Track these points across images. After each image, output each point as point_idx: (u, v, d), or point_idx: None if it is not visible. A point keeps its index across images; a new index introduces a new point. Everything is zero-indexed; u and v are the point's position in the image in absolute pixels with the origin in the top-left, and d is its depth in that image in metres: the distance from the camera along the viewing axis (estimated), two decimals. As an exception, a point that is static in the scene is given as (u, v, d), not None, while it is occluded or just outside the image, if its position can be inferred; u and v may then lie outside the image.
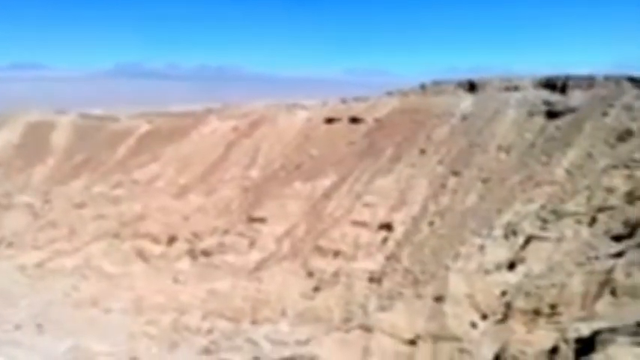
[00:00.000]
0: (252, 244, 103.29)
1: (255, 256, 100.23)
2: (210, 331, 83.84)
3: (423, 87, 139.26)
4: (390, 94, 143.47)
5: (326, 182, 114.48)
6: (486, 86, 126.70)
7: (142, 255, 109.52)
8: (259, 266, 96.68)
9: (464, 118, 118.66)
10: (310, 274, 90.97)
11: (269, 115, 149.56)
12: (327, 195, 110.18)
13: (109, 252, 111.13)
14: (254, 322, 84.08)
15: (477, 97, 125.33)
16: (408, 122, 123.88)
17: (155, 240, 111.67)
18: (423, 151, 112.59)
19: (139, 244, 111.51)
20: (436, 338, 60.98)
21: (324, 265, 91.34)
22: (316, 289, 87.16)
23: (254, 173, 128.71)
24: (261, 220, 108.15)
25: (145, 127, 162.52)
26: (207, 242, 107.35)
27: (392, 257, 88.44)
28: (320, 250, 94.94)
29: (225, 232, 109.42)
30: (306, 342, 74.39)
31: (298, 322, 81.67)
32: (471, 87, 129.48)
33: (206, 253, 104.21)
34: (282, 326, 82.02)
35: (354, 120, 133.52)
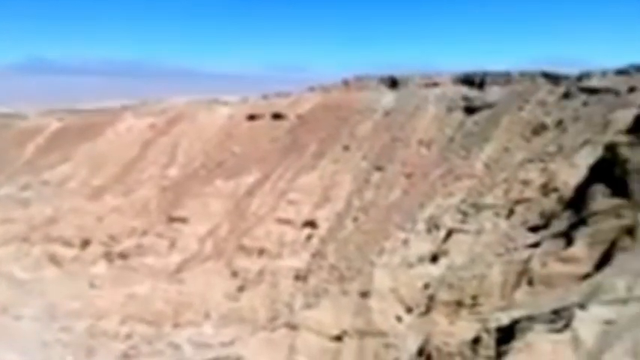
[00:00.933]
0: (172, 245, 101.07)
1: (176, 257, 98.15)
2: (129, 336, 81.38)
3: (345, 83, 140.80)
4: (312, 89, 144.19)
5: (249, 180, 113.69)
6: (407, 82, 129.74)
7: (54, 259, 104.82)
8: (181, 268, 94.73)
9: (386, 113, 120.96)
10: (234, 274, 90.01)
11: (188, 111, 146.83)
12: (250, 193, 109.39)
13: (18, 257, 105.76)
14: (176, 326, 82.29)
15: (398, 92, 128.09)
16: (330, 118, 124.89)
17: (68, 244, 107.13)
18: (346, 147, 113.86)
19: (51, 249, 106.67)
20: (362, 334, 61.61)
21: (249, 264, 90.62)
22: (241, 289, 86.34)
23: (173, 172, 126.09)
24: (182, 219, 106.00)
25: (55, 125, 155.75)
26: (125, 244, 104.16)
27: (317, 254, 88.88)
28: (244, 249, 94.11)
29: (144, 233, 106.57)
30: (231, 343, 73.56)
31: (222, 324, 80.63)
32: (393, 83, 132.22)
33: (123, 256, 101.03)
34: (206, 328, 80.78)
35: (277, 116, 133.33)
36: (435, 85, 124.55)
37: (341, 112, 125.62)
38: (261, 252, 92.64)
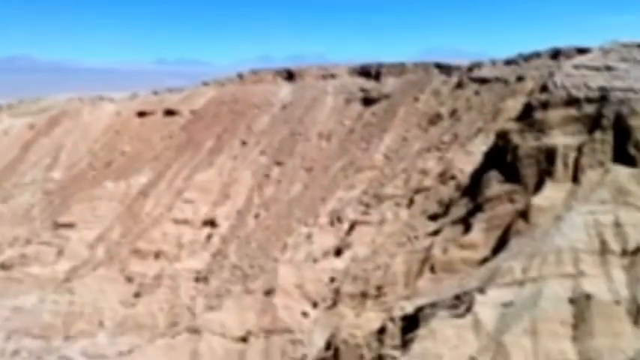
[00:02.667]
0: (60, 252, 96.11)
1: (64, 265, 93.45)
2: (16, 352, 76.61)
3: (240, 76, 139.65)
4: (206, 84, 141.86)
5: (141, 180, 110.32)
6: (304, 75, 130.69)
7: None
8: (70, 276, 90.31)
9: (284, 107, 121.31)
10: (129, 280, 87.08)
11: (71, 109, 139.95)
12: (143, 193, 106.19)
13: None
14: (67, 338, 78.42)
15: (295, 85, 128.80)
16: (227, 113, 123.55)
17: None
18: (244, 143, 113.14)
19: None
20: (268, 333, 61.68)
21: (145, 268, 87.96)
22: (137, 294, 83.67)
23: (57, 174, 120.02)
24: (69, 225, 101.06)
25: None
26: (7, 254, 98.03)
27: (218, 254, 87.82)
28: (139, 253, 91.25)
29: (28, 241, 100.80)
30: (129, 352, 71.15)
31: (119, 333, 77.80)
32: (289, 76, 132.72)
33: (6, 267, 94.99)
34: (100, 338, 77.64)
35: (169, 112, 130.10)
36: (332, 76, 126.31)
37: (237, 106, 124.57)
38: (158, 255, 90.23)
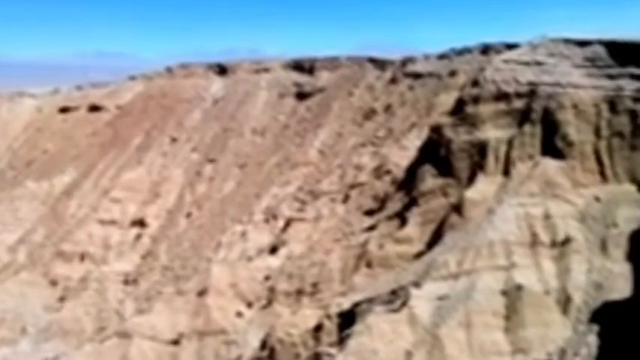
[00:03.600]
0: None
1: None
2: None
3: (169, 70, 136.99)
4: (133, 78, 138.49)
5: (65, 179, 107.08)
6: (237, 69, 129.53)
7: None
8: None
9: (215, 101, 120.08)
10: (54, 283, 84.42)
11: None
12: (67, 193, 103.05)
13: None
14: (-14, 348, 75.32)
15: (227, 79, 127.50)
16: (155, 108, 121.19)
17: None
18: (174, 139, 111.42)
19: None
20: (201, 334, 60.94)
21: (70, 271, 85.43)
22: (62, 299, 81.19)
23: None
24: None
25: None
26: None
27: (148, 255, 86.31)
28: (63, 256, 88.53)
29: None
30: (54, 359, 69.04)
31: (43, 339, 75.27)
32: (221, 70, 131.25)
33: None
34: (23, 345, 74.98)
35: (94, 108, 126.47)
36: (266, 71, 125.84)
37: (166, 101, 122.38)
38: (83, 257, 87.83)
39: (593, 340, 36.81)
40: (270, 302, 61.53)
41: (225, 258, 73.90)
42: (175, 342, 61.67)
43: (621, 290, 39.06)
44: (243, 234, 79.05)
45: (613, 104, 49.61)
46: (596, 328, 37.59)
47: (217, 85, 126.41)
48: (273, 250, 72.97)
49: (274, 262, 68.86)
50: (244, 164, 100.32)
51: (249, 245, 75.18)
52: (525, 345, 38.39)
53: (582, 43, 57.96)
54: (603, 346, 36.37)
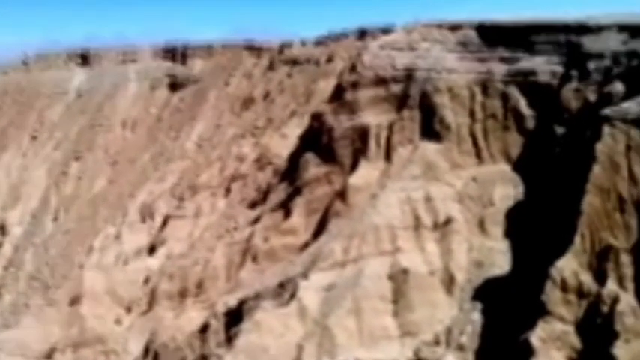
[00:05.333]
0: None
1: None
2: None
3: (25, 62, 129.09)
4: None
5: None
6: (101, 58, 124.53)
7: None
8: None
9: (79, 95, 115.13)
10: None
11: None
12: None
13: None
14: None
15: (92, 70, 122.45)
16: (11, 104, 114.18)
17: None
18: (34, 137, 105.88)
19: None
20: (76, 345, 58.43)
21: None
22: None
23: None
24: None
25: None
26: None
27: (11, 264, 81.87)
28: None
29: None
30: None
31: None
32: (84, 59, 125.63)
33: None
34: None
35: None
36: (134, 60, 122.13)
37: (24, 96, 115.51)
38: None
39: (477, 317, 39.26)
40: (151, 306, 60.19)
41: (99, 262, 71.29)
42: (48, 356, 58.84)
43: (501, 266, 41.91)
44: (118, 236, 76.60)
45: (485, 87, 52.79)
46: (479, 305, 40.12)
47: (80, 76, 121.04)
48: (152, 250, 71.39)
49: (153, 263, 67.38)
50: (115, 161, 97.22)
51: (125, 247, 72.97)
52: (414, 327, 40.23)
53: (454, 27, 61.10)
54: (486, 322, 38.90)
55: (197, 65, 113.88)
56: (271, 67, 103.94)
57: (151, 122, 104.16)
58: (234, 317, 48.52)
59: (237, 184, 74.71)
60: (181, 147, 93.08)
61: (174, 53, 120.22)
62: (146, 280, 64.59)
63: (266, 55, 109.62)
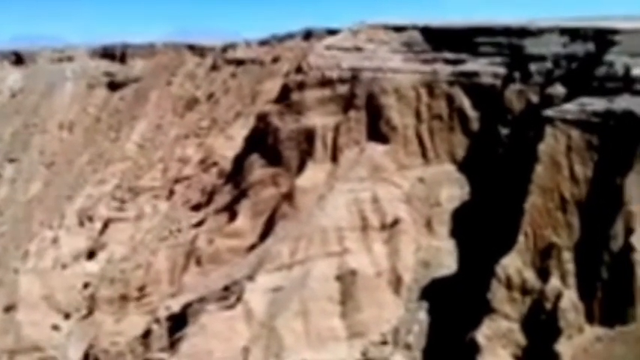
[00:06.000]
0: None
1: None
2: None
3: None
4: None
5: None
6: (37, 57, 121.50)
7: None
8: None
9: (13, 95, 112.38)
10: None
11: None
12: None
13: None
14: None
15: (26, 70, 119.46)
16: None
17: None
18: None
19: None
20: (12, 354, 56.72)
21: None
22: None
23: None
24: None
25: None
26: None
27: (-61, 272, 78.61)
28: None
29: None
30: None
31: None
32: (18, 59, 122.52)
33: None
34: None
35: None
36: (70, 59, 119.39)
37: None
38: None
39: (424, 316, 39.88)
40: (91, 311, 58.97)
41: (35, 267, 69.33)
42: (-20, 367, 57.01)
43: (448, 266, 42.67)
44: (55, 240, 74.63)
45: (431, 88, 53.67)
46: (426, 304, 40.75)
47: (14, 76, 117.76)
48: (91, 254, 69.93)
49: (93, 267, 66.14)
50: (51, 163, 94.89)
51: (63, 251, 71.16)
52: (361, 328, 40.52)
53: (399, 29, 62.02)
54: (433, 322, 39.55)
55: (137, 65, 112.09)
56: (215, 67, 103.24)
57: (88, 123, 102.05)
58: (178, 321, 47.91)
59: (181, 185, 73.97)
60: (121, 148, 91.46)
61: (113, 52, 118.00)
62: (86, 286, 63.36)
63: (209, 55, 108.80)
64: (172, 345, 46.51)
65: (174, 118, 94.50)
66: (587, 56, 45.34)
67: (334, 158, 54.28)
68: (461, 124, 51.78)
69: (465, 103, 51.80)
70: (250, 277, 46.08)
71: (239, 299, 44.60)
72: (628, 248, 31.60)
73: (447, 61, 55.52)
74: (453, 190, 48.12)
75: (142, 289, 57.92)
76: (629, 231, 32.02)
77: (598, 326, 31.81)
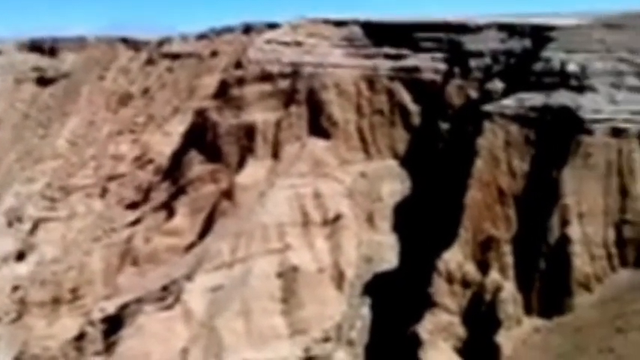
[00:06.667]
0: None
1: None
2: None
3: None
4: None
5: None
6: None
7: None
8: None
9: None
10: None
11: None
12: None
13: None
14: None
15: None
16: None
17: None
18: None
19: None
20: None
21: None
22: None
23: None
24: None
25: None
26: None
27: None
28: None
29: None
30: None
31: None
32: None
33: None
34: None
35: None
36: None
37: None
38: None
39: (366, 311, 40.30)
40: (20, 315, 57.25)
41: (-40, 271, 66.94)
42: None
43: (390, 261, 43.26)
44: (-19, 242, 72.26)
45: (372, 83, 54.30)
46: (368, 300, 41.19)
47: None
48: (21, 256, 67.96)
49: (23, 269, 64.38)
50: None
51: (-9, 253, 69.00)
52: (304, 325, 40.60)
53: (339, 24, 62.42)
54: (376, 317, 40.01)
55: (68, 59, 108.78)
56: (150, 61, 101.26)
57: (16, 119, 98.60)
58: (114, 324, 47.01)
59: (115, 183, 72.50)
60: (52, 145, 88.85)
61: (42, 46, 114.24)
62: (15, 289, 61.54)
63: (144, 49, 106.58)
64: (108, 348, 45.59)
65: (107, 114, 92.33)
66: (524, 52, 46.71)
67: (275, 154, 54.23)
68: (402, 119, 52.57)
69: (406, 98, 52.60)
70: (189, 277, 45.56)
71: (177, 299, 44.03)
72: (564, 240, 32.70)
73: (388, 57, 56.25)
74: (395, 185, 48.81)
75: (74, 290, 56.55)
76: (565, 223, 33.10)
77: (536, 317, 32.79)
